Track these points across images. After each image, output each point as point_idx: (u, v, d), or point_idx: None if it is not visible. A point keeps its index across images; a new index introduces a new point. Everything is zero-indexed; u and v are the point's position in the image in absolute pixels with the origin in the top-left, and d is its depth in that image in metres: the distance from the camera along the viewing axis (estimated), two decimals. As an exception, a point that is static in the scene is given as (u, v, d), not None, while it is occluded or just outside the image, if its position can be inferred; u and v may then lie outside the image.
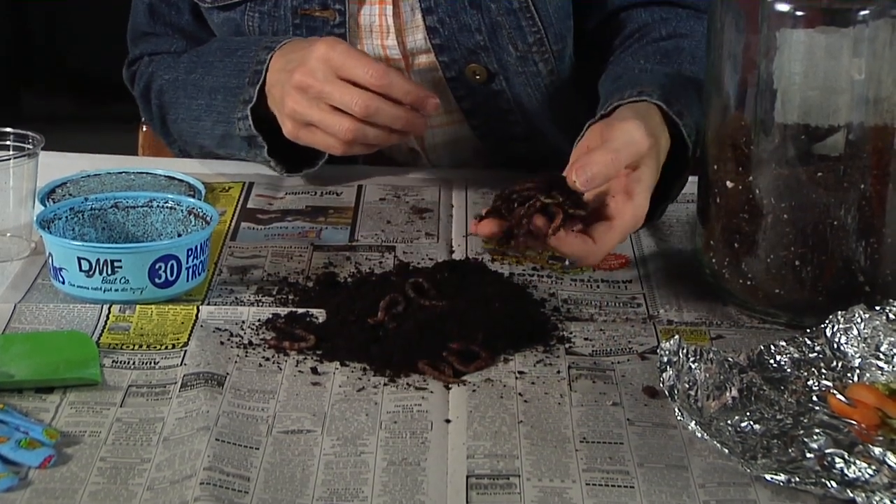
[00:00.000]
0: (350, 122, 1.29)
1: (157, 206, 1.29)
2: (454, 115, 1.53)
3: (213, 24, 1.55)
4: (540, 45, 1.48)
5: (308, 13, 1.47)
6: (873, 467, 0.95)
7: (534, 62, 1.49)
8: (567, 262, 1.30)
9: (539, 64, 1.49)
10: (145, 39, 1.61)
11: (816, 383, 1.07)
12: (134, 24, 1.61)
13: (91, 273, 1.19)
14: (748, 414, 1.04)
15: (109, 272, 1.19)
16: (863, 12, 1.11)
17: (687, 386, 1.03)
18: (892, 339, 1.09)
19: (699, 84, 1.31)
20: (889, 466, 0.95)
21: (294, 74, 1.31)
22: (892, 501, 0.92)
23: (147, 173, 1.41)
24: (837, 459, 0.96)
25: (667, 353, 1.04)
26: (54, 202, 1.31)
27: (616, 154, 1.16)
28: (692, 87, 1.32)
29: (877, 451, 0.96)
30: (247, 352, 1.14)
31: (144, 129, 1.75)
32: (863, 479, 0.94)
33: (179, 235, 1.26)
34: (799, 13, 1.13)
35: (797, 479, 0.95)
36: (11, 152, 1.29)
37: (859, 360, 1.09)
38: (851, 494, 0.93)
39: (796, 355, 1.10)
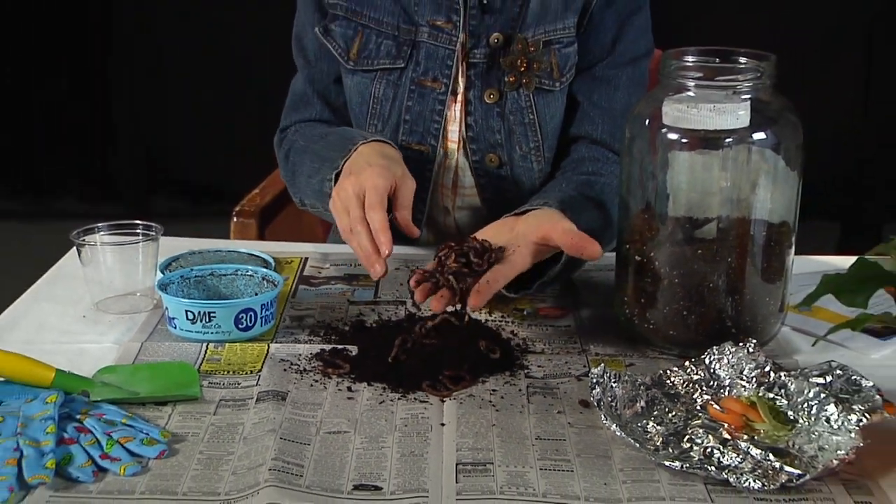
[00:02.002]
0: (347, 227, 1.25)
1: (241, 274, 1.28)
2: (474, 189, 1.52)
3: (346, 87, 1.52)
4: (537, 150, 1.48)
5: (422, 83, 1.46)
6: (741, 457, 0.94)
7: (531, 161, 1.48)
8: (526, 311, 1.28)
9: (534, 163, 1.49)
10: (297, 110, 1.57)
11: (700, 397, 1.06)
12: (292, 98, 1.58)
13: (194, 321, 1.18)
14: (652, 419, 1.03)
15: (207, 321, 1.18)
16: (728, 139, 1.11)
17: (610, 399, 1.02)
18: (751, 365, 1.07)
19: (597, 203, 1.36)
20: (752, 456, 0.94)
21: (349, 176, 1.28)
22: (755, 481, 0.91)
23: (234, 251, 1.39)
24: (715, 451, 0.95)
25: (595, 376, 1.03)
26: (170, 272, 1.30)
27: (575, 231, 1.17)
28: (588, 206, 1.34)
29: (743, 445, 0.95)
30: (302, 376, 1.12)
31: (235, 219, 1.74)
32: (733, 465, 0.94)
33: (256, 294, 1.25)
34: (684, 140, 1.12)
35: (687, 465, 0.94)
36: (140, 237, 1.29)
37: (729, 380, 1.07)
38: (726, 476, 0.92)
39: (685, 377, 1.08)
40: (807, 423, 0.99)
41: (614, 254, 1.23)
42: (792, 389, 1.03)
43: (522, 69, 1.45)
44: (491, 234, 1.23)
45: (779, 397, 1.04)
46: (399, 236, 1.26)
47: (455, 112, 1.48)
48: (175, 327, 1.20)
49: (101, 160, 4.14)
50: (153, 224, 1.30)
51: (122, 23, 3.94)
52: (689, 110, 1.10)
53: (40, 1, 3.93)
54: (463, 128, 1.48)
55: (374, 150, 1.33)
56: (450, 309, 1.17)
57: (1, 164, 4.13)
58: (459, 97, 1.47)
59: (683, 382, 1.08)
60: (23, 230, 3.94)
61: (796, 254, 1.19)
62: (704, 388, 1.07)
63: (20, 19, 3.96)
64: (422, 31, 1.46)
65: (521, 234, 1.21)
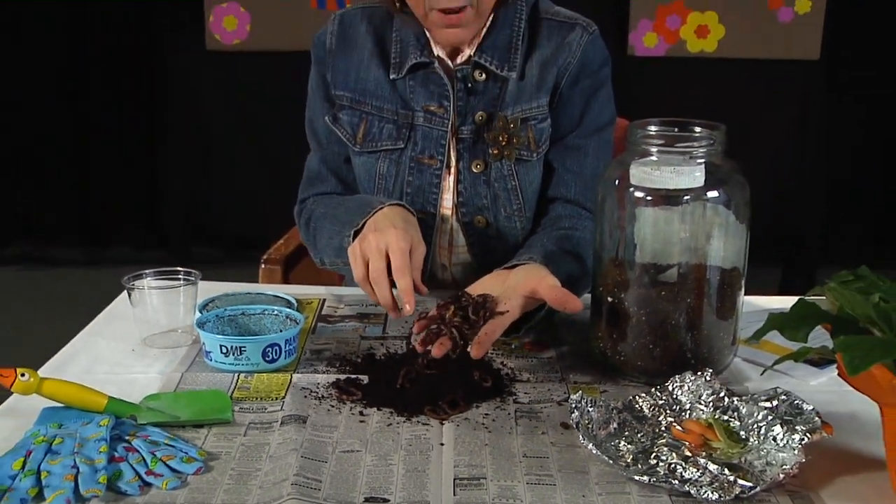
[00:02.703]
0: (364, 275, 1.24)
1: (268, 313, 1.27)
2: (465, 247, 1.51)
3: (354, 165, 1.51)
4: (520, 212, 1.47)
5: (420, 161, 1.46)
6: (700, 471, 0.93)
7: (514, 221, 1.48)
8: (514, 346, 1.27)
9: (517, 223, 1.48)
10: (314, 185, 1.55)
11: (664, 419, 1.05)
12: (308, 175, 1.56)
13: (227, 354, 1.17)
14: (624, 438, 1.01)
15: (238, 354, 1.17)
16: (686, 197, 1.11)
17: (587, 421, 1.01)
18: (708, 391, 1.06)
19: (574, 255, 1.34)
20: (709, 471, 0.93)
21: (374, 232, 1.25)
22: (712, 493, 0.90)
23: (262, 294, 1.38)
24: (678, 466, 0.93)
25: (574, 401, 1.01)
26: (207, 311, 1.29)
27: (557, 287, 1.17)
28: (567, 258, 1.32)
29: (702, 461, 0.94)
30: (320, 402, 1.11)
31: (263, 266, 1.73)
32: (694, 478, 0.92)
33: (281, 331, 1.24)
34: (649, 198, 1.12)
35: (654, 479, 0.92)
36: (182, 281, 1.28)
37: (689, 404, 1.06)
38: (687, 488, 0.91)
39: (651, 402, 1.07)
40: (757, 442, 0.98)
41: (590, 296, 1.23)
42: (743, 412, 1.02)
43: (504, 143, 1.45)
44: (487, 286, 1.22)
45: (732, 419, 1.03)
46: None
47: (449, 182, 1.47)
48: (211, 360, 1.19)
49: (151, 215, 4.16)
50: (192, 270, 1.29)
51: (173, 109, 4.00)
52: (652, 172, 1.10)
53: (104, 82, 3.98)
54: (455, 195, 1.47)
55: (396, 213, 1.31)
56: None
57: (67, 219, 4.15)
58: (452, 169, 1.47)
59: (650, 406, 1.06)
60: (83, 276, 3.94)
61: (745, 295, 1.18)
62: (668, 411, 1.06)
63: (90, 102, 4.01)
64: (417, 116, 1.46)
65: (511, 288, 1.20)
